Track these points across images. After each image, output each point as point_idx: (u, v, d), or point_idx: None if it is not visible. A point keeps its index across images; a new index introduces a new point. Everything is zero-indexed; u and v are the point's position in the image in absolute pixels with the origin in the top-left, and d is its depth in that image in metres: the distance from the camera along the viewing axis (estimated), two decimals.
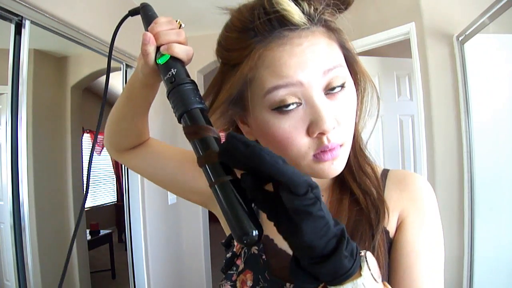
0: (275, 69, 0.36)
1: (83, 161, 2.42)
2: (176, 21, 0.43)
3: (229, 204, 0.29)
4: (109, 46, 0.50)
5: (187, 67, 0.42)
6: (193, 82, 0.37)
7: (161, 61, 0.38)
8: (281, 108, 0.36)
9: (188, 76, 0.38)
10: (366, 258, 0.30)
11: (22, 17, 1.27)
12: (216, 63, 0.46)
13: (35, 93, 1.66)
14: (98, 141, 3.59)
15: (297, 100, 0.36)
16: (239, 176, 0.31)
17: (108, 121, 0.57)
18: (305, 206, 0.26)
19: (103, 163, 3.71)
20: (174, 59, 0.39)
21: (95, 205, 3.53)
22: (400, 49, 1.98)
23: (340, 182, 0.45)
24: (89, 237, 2.82)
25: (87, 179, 0.50)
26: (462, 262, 1.59)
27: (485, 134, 1.60)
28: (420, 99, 1.72)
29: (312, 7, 0.37)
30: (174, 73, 0.37)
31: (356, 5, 0.44)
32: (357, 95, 0.42)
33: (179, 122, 0.35)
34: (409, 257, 0.40)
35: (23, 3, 1.25)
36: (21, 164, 1.29)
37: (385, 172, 0.47)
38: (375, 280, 0.30)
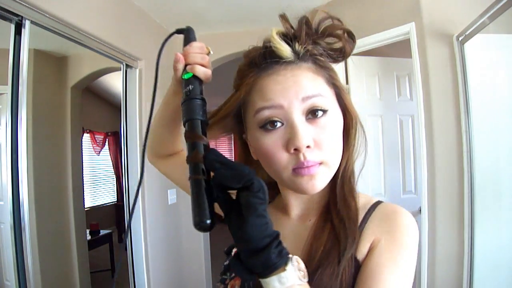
0: (262, 94, 0.44)
1: (83, 161, 2.42)
2: (207, 47, 0.52)
3: (196, 196, 0.37)
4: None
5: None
6: (203, 99, 0.45)
7: (185, 76, 0.47)
8: (266, 126, 0.44)
9: (201, 93, 0.46)
10: (292, 260, 0.35)
11: (22, 17, 1.27)
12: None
13: (35, 93, 1.66)
14: (97, 141, 3.59)
15: (279, 120, 0.43)
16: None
17: (152, 128, 0.64)
18: (254, 203, 0.34)
19: (103, 163, 3.72)
20: (195, 77, 0.47)
21: (95, 205, 3.53)
22: (400, 49, 1.98)
23: (326, 211, 0.49)
24: (89, 237, 2.82)
25: (141, 168, 0.55)
26: (462, 262, 1.59)
27: (485, 134, 1.59)
28: (420, 99, 1.72)
29: (302, 47, 0.45)
30: (190, 89, 0.45)
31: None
32: (347, 130, 0.48)
33: (184, 126, 0.44)
34: (369, 276, 0.41)
35: (23, 3, 1.25)
36: (21, 164, 1.29)
37: (376, 204, 0.49)
38: (299, 278, 0.34)
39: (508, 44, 1.60)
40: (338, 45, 0.48)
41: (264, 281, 0.35)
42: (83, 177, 2.53)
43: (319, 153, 0.43)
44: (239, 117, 0.49)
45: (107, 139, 3.71)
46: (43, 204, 1.79)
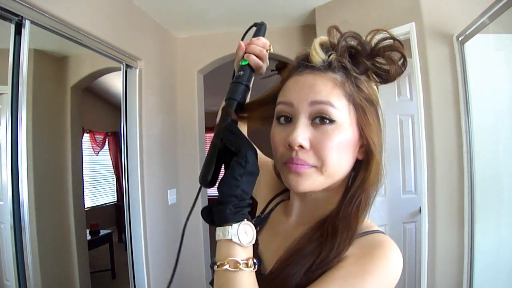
0: (285, 91, 0.49)
1: (83, 161, 2.42)
2: (269, 45, 0.58)
3: (208, 156, 0.46)
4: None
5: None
6: (247, 85, 0.53)
7: (242, 63, 0.55)
8: (280, 119, 0.48)
9: (248, 80, 0.54)
10: (243, 222, 0.41)
11: (22, 17, 1.27)
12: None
13: (35, 93, 1.66)
14: (97, 141, 3.59)
15: (289, 115, 0.47)
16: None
17: None
18: (234, 167, 0.42)
19: (103, 163, 3.71)
20: (249, 66, 0.54)
21: (95, 205, 3.53)
22: None
23: (322, 223, 0.48)
24: (89, 237, 2.82)
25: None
26: (462, 262, 1.59)
27: (485, 134, 1.59)
28: (420, 99, 1.72)
29: (336, 59, 0.46)
30: (241, 74, 0.53)
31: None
32: (367, 152, 0.48)
33: (225, 101, 0.52)
34: (317, 282, 0.42)
35: (23, 3, 1.25)
36: (21, 164, 1.29)
37: (372, 232, 0.47)
38: (239, 238, 0.40)
39: (508, 44, 1.60)
40: (386, 67, 0.47)
41: (216, 230, 0.42)
42: (83, 177, 2.53)
43: (314, 157, 0.44)
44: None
45: (107, 139, 3.71)
46: (43, 204, 1.79)
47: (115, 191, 3.93)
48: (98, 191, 3.63)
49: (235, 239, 0.40)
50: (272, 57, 2.63)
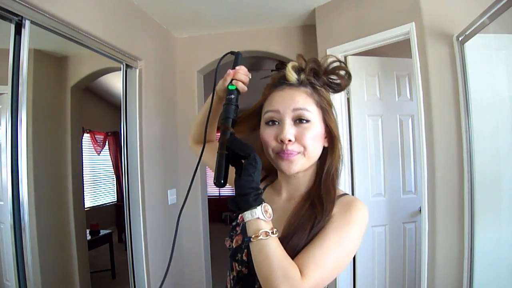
0: (271, 102, 0.67)
1: (83, 161, 2.42)
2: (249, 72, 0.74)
3: (218, 164, 0.59)
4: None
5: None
6: (237, 105, 0.67)
7: (231, 87, 0.68)
8: (268, 123, 0.66)
9: (237, 101, 0.68)
10: (262, 204, 0.56)
11: (22, 17, 1.27)
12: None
13: (35, 93, 1.66)
14: (98, 141, 3.59)
15: (276, 120, 0.65)
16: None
17: (194, 122, 0.90)
18: (247, 167, 0.56)
19: (103, 163, 3.71)
20: (237, 90, 0.68)
21: (95, 205, 3.53)
22: (400, 49, 1.98)
23: (308, 195, 0.69)
24: (89, 237, 2.82)
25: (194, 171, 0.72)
26: (462, 262, 1.59)
27: (485, 134, 1.60)
28: (420, 99, 1.72)
29: (304, 77, 0.67)
30: (232, 97, 0.67)
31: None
32: (331, 141, 0.69)
33: (222, 119, 0.65)
34: (318, 236, 0.60)
35: (23, 3, 1.25)
36: (21, 164, 1.29)
37: (342, 195, 0.68)
38: (264, 216, 0.55)
39: (508, 44, 1.60)
40: (338, 81, 0.69)
41: (243, 214, 0.56)
42: (83, 177, 2.54)
43: (299, 146, 0.63)
44: (260, 116, 0.70)
45: (107, 139, 3.70)
46: (43, 204, 1.79)
47: (115, 191, 3.93)
48: (98, 191, 3.63)
49: (261, 217, 0.55)
50: (272, 57, 2.63)
